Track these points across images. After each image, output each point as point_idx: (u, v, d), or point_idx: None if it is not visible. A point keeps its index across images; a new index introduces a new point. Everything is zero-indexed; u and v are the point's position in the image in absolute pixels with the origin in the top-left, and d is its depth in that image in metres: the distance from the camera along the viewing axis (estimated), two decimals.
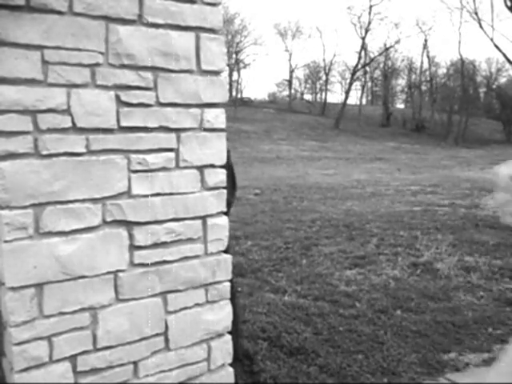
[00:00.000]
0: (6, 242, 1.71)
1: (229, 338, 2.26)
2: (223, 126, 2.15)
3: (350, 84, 51.24)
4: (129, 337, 1.99)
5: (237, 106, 41.72)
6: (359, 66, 50.53)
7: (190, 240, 2.10)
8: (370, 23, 48.67)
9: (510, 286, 5.11)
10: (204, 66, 2.06)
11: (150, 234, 1.99)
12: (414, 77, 57.07)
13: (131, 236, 1.96)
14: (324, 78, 58.98)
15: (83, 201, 1.84)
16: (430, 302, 4.67)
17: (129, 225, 1.95)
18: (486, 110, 53.23)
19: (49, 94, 1.74)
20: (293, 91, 61.59)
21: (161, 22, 1.94)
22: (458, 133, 44.69)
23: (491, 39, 40.81)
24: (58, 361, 1.85)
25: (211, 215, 2.14)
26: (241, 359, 2.71)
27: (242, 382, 2.57)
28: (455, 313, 4.38)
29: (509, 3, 32.11)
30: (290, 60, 78.39)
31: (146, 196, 1.97)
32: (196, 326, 2.15)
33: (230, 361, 2.27)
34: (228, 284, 2.23)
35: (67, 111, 1.78)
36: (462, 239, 7.15)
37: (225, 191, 2.18)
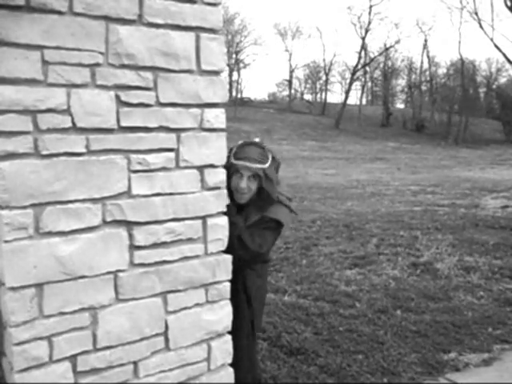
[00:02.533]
0: (6, 242, 1.71)
1: (229, 337, 2.26)
2: (223, 125, 2.15)
3: (350, 84, 51.27)
4: (129, 337, 1.99)
5: (237, 105, 41.70)
6: (359, 66, 50.55)
7: (190, 240, 2.10)
8: (370, 23, 48.77)
9: (509, 286, 5.11)
10: (204, 66, 2.06)
11: (150, 234, 1.99)
12: (413, 77, 57.10)
13: (131, 236, 1.96)
14: (324, 78, 59.02)
15: (83, 201, 1.84)
16: (430, 302, 4.67)
17: (129, 225, 1.95)
18: (486, 110, 53.24)
19: (49, 94, 1.74)
20: (293, 91, 61.61)
21: (161, 21, 1.94)
22: (457, 133, 44.68)
23: (491, 39, 40.68)
24: (58, 361, 1.85)
25: (211, 215, 2.14)
26: None
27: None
28: (455, 313, 4.38)
29: (509, 3, 32.09)
30: (289, 60, 78.47)
31: (146, 196, 1.97)
32: (196, 326, 2.15)
33: (229, 361, 2.27)
34: (228, 284, 2.23)
35: (67, 111, 1.78)
36: (462, 239, 7.15)
37: (225, 191, 2.19)
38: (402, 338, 3.85)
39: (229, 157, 2.43)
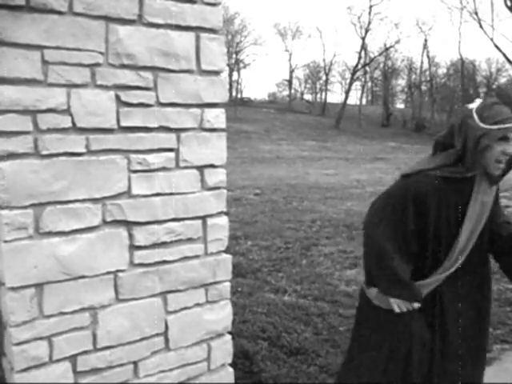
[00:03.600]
0: (5, 242, 1.71)
1: (229, 337, 2.26)
2: (223, 125, 2.15)
3: (350, 84, 51.21)
4: (129, 337, 1.99)
5: (237, 105, 41.70)
6: (359, 66, 50.49)
7: (190, 240, 2.10)
8: (370, 23, 48.65)
9: (509, 286, 5.10)
10: (204, 66, 2.06)
11: (150, 234, 1.99)
12: (414, 77, 57.04)
13: (131, 236, 1.96)
14: (324, 78, 58.98)
15: (83, 201, 1.85)
16: None
17: (129, 225, 1.95)
18: None
19: (49, 93, 1.74)
20: (293, 91, 61.59)
21: (161, 22, 1.94)
22: None
23: (491, 39, 40.64)
24: (58, 361, 1.85)
25: (211, 215, 2.14)
26: None
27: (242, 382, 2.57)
28: None
29: (509, 3, 32.13)
30: (289, 60, 78.54)
31: (146, 196, 1.98)
32: (196, 326, 2.15)
33: (229, 361, 2.27)
34: (228, 284, 2.23)
35: (67, 111, 1.78)
36: None
37: (225, 191, 2.18)
38: None
39: (462, 125, 2.03)
